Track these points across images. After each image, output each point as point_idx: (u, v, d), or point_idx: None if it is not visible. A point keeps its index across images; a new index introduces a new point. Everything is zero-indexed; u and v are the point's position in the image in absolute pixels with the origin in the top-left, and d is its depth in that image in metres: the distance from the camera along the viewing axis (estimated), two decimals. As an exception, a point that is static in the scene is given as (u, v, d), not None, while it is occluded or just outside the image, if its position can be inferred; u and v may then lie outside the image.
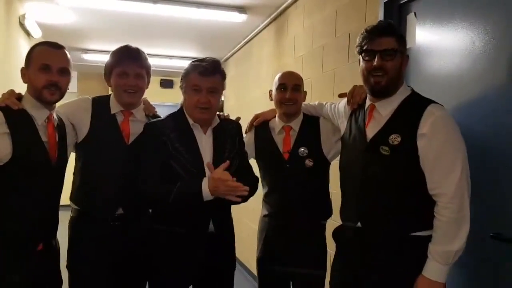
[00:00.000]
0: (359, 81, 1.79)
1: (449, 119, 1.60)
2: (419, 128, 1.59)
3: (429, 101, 1.64)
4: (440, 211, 1.56)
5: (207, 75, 1.87)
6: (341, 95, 2.09)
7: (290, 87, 2.19)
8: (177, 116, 1.96)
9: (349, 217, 1.81)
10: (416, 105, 1.65)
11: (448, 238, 1.55)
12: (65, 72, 1.84)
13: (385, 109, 1.71)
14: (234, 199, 1.79)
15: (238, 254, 2.12)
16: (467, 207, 1.55)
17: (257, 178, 2.14)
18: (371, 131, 1.74)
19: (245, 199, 1.88)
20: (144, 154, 1.89)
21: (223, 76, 1.95)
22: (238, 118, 2.26)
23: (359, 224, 1.73)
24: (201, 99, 1.87)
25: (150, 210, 2.05)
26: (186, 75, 1.92)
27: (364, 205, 1.73)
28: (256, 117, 2.40)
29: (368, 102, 1.80)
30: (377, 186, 1.69)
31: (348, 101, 1.96)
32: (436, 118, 1.57)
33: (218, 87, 1.92)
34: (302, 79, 2.29)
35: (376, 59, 1.66)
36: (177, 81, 7.77)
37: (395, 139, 1.63)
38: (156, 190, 1.84)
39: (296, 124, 2.24)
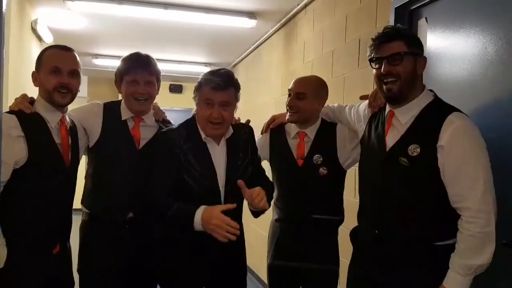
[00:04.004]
0: (369, 87, 1.78)
1: (470, 128, 1.53)
2: (438, 139, 1.53)
3: (451, 109, 1.58)
4: (464, 225, 1.51)
5: (219, 90, 1.83)
6: (362, 97, 2.03)
7: (293, 95, 2.16)
8: (190, 127, 1.92)
9: (367, 224, 1.79)
10: (437, 113, 1.58)
11: (471, 252, 1.50)
12: (75, 74, 1.86)
13: (405, 116, 1.65)
14: (220, 238, 1.67)
15: (247, 259, 2.11)
16: (493, 223, 1.49)
17: (272, 184, 2.12)
18: (390, 140, 1.69)
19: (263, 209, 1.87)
20: (155, 165, 1.87)
21: (236, 88, 1.90)
22: (248, 121, 2.22)
23: (376, 231, 1.70)
24: (214, 114, 1.83)
25: None
26: (199, 88, 1.88)
27: (383, 214, 1.68)
28: (274, 119, 2.36)
29: (388, 108, 1.75)
30: (397, 197, 1.65)
31: (369, 104, 1.90)
32: (456, 127, 1.51)
33: (231, 101, 1.88)
34: (314, 86, 2.19)
35: (383, 66, 1.62)
36: (186, 86, 7.76)
37: (414, 150, 1.58)
38: (158, 203, 1.82)
39: (311, 131, 2.19)
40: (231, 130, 1.97)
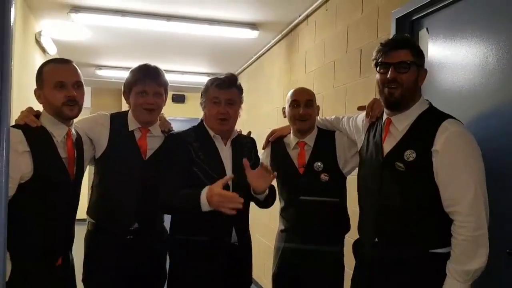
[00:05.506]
0: (371, 96, 1.80)
1: (464, 135, 1.57)
2: (433, 144, 1.57)
3: (446, 116, 1.62)
4: (456, 230, 1.53)
5: (224, 88, 1.98)
6: (360, 108, 2.08)
7: (303, 103, 2.20)
8: (199, 129, 2.05)
9: (367, 232, 1.80)
10: (432, 120, 1.63)
11: (465, 257, 1.51)
12: (80, 85, 1.87)
13: (401, 123, 1.70)
14: (228, 212, 1.73)
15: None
16: (485, 227, 1.51)
17: (274, 187, 2.15)
18: (387, 146, 1.73)
19: (266, 205, 2.01)
20: (164, 163, 1.95)
21: (239, 90, 2.05)
22: (249, 133, 2.29)
23: (376, 239, 1.72)
24: (220, 110, 1.96)
25: (169, 222, 2.06)
26: (206, 90, 2.03)
27: (381, 221, 1.71)
28: (273, 132, 2.41)
29: (385, 116, 1.79)
30: (394, 202, 1.67)
31: (367, 114, 1.95)
32: (450, 134, 1.55)
33: (235, 99, 2.02)
34: (314, 94, 2.30)
35: (390, 71, 1.66)
36: (189, 96, 7.72)
37: (410, 155, 1.62)
38: (167, 197, 1.87)
39: (310, 139, 2.24)
40: (235, 132, 2.08)
